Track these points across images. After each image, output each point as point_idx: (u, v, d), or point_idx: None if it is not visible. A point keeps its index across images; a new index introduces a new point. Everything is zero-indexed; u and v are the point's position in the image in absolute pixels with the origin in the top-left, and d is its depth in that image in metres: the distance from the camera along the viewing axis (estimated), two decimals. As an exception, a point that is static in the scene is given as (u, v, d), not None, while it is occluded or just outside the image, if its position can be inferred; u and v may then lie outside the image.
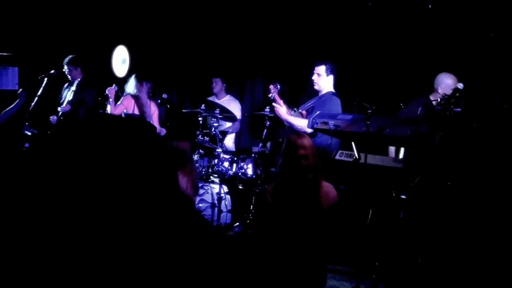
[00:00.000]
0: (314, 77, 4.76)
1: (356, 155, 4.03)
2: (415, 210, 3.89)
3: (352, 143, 4.10)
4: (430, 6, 5.11)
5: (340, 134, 4.12)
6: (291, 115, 4.71)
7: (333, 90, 4.78)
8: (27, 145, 5.56)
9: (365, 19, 5.57)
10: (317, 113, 4.31)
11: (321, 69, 4.73)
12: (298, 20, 6.15)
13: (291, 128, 4.73)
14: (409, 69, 5.33)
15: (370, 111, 3.70)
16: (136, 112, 5.54)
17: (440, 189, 3.66)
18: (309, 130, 4.49)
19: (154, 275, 1.67)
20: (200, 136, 5.64)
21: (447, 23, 5.08)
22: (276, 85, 4.76)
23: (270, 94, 4.75)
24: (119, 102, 5.58)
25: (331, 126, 3.99)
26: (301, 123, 4.59)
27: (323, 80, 4.74)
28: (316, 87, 4.80)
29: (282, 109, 4.67)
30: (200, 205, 5.24)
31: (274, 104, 4.75)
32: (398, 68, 5.46)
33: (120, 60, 6.47)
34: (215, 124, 5.58)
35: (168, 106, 6.19)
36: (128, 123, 1.91)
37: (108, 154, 1.68)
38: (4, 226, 1.69)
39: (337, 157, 4.29)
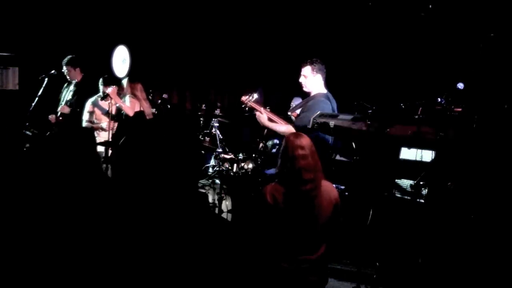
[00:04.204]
0: (301, 79, 4.50)
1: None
2: (415, 211, 3.88)
3: (353, 143, 4.10)
4: (430, 6, 5.11)
5: (341, 133, 4.10)
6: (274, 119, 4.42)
7: (323, 91, 4.49)
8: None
9: (366, 19, 5.57)
10: (317, 113, 4.30)
11: (306, 70, 4.47)
12: (298, 20, 6.15)
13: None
14: (409, 69, 5.33)
15: (370, 111, 3.70)
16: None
17: (441, 189, 3.65)
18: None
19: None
20: (200, 136, 5.64)
21: (448, 23, 5.08)
22: (251, 94, 4.53)
23: (244, 105, 4.47)
24: (127, 103, 5.57)
25: (331, 126, 3.98)
26: (284, 129, 4.31)
27: (311, 81, 4.47)
28: (304, 89, 4.53)
29: (262, 116, 4.41)
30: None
31: (255, 112, 4.46)
32: (398, 68, 5.46)
33: (120, 60, 6.47)
34: (216, 124, 5.58)
35: (169, 106, 6.18)
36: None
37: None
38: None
39: (337, 157, 4.28)
